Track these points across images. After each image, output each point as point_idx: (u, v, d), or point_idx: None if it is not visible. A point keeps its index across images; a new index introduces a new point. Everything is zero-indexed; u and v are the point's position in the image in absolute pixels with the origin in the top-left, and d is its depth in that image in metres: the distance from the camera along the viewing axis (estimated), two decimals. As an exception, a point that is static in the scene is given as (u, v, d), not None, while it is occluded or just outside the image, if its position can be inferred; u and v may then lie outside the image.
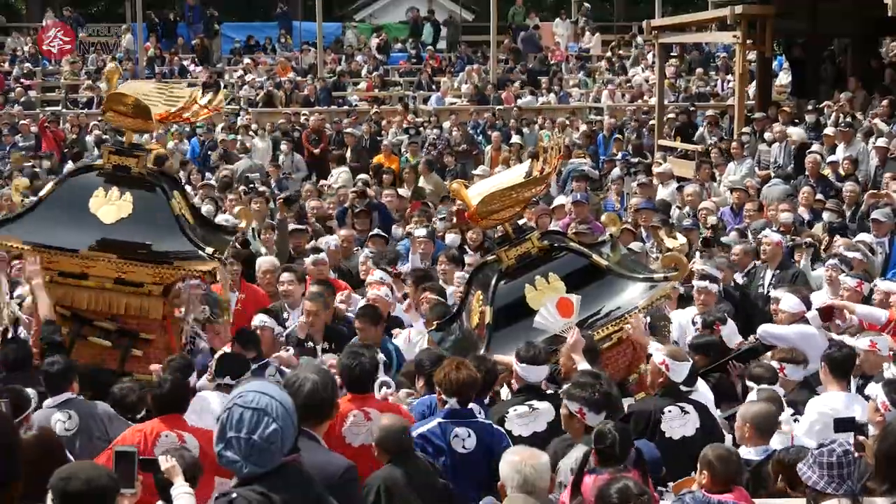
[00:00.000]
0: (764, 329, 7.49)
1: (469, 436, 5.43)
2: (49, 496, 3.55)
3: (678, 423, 5.82)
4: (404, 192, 14.87)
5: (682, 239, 9.74)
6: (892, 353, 6.73)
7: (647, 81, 24.89)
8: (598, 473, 4.70)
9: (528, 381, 5.94)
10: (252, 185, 14.81)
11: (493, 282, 6.60)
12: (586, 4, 30.47)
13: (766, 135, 16.09)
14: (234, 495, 3.19)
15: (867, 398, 6.03)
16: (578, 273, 6.60)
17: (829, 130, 15.08)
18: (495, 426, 5.61)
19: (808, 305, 7.63)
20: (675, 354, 6.11)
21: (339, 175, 16.32)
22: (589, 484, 4.63)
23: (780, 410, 5.86)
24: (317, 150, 19.40)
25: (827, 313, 7.49)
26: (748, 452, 5.40)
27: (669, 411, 5.85)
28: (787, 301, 7.67)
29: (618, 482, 4.35)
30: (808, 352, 6.92)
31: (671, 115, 20.55)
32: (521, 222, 7.18)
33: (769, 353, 7.22)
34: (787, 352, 6.90)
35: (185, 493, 4.60)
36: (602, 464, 4.86)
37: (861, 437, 4.97)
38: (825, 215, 11.75)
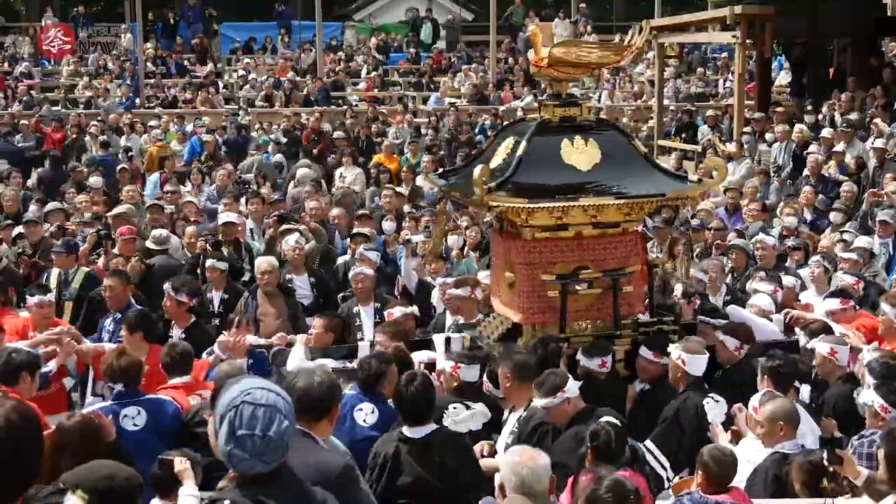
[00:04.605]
0: (734, 308, 7.66)
1: (139, 413, 5.80)
2: (79, 494, 3.54)
3: (718, 412, 5.98)
4: (402, 190, 14.86)
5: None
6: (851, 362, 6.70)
7: (648, 82, 24.88)
8: (594, 472, 4.70)
9: (465, 381, 6.10)
10: (248, 186, 14.80)
11: (533, 129, 6.67)
12: (582, 5, 30.46)
13: (767, 135, 16.08)
14: (227, 502, 3.17)
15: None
16: (616, 148, 6.70)
17: (826, 132, 15.08)
18: (163, 398, 5.88)
19: (778, 308, 7.89)
20: (690, 349, 6.27)
21: (354, 176, 16.28)
22: (584, 483, 4.63)
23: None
24: (315, 151, 19.35)
25: (790, 327, 7.68)
26: (782, 447, 5.35)
27: (707, 403, 6.02)
28: (761, 299, 7.88)
29: (605, 480, 4.36)
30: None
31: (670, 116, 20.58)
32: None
33: None
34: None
35: (192, 496, 4.61)
36: (597, 462, 4.88)
37: (839, 451, 4.97)
38: (832, 216, 11.73)
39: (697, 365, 6.23)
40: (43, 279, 9.53)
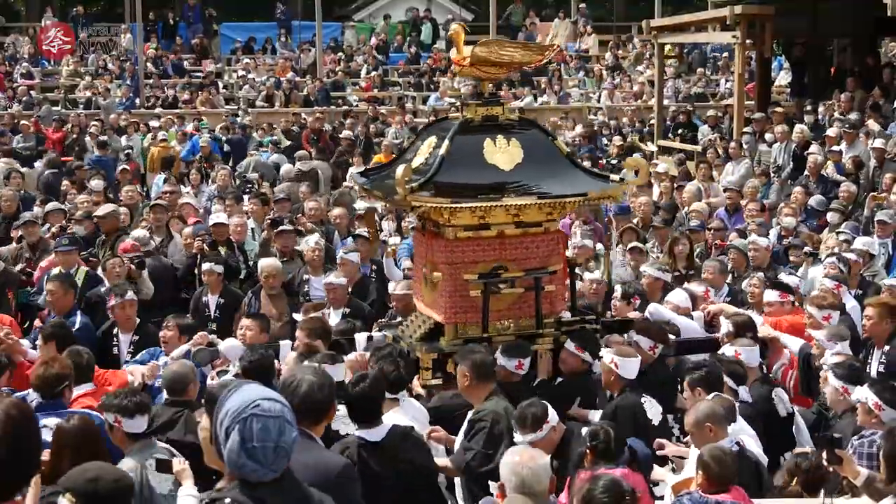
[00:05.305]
0: (655, 307, 7.70)
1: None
2: (67, 497, 3.53)
3: (655, 412, 6.14)
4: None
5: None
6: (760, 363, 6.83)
7: (649, 83, 24.87)
8: (592, 471, 4.71)
9: None
10: (251, 186, 14.79)
11: (455, 128, 6.67)
12: (582, 5, 30.48)
13: (767, 135, 16.09)
14: (228, 500, 3.18)
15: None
16: (538, 147, 6.73)
17: (831, 132, 15.06)
18: (88, 412, 5.73)
19: (695, 304, 7.96)
20: (622, 352, 6.32)
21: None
22: (581, 482, 4.63)
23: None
24: (313, 150, 19.34)
25: (710, 322, 7.74)
26: None
27: (645, 402, 6.15)
28: (677, 296, 7.94)
29: (602, 479, 4.35)
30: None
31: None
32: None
33: None
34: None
35: (191, 496, 4.62)
36: (596, 462, 4.89)
37: (839, 451, 4.99)
38: (829, 216, 11.73)
39: (630, 368, 6.25)
40: (44, 279, 9.53)
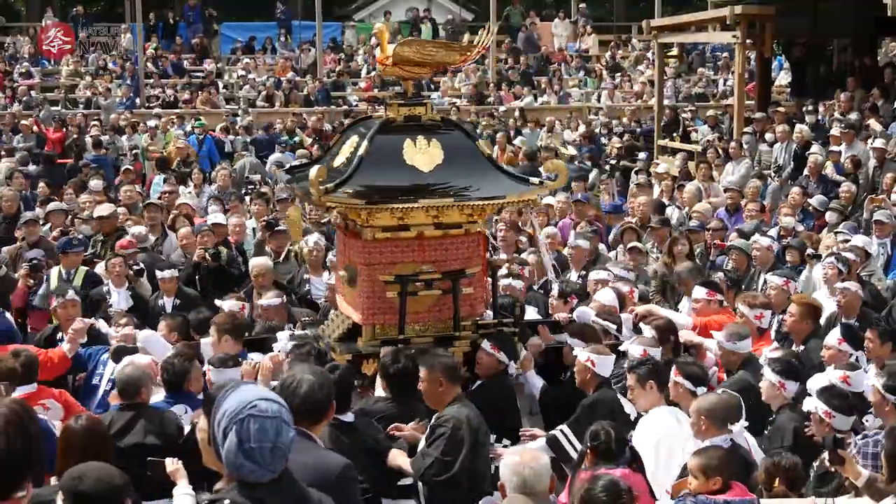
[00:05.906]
0: (581, 310, 7.65)
1: None
2: (60, 496, 3.53)
3: (629, 407, 6.20)
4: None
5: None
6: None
7: (649, 83, 24.88)
8: (593, 471, 4.71)
9: None
10: (253, 186, 14.80)
11: (375, 128, 6.63)
12: (582, 5, 30.47)
13: (767, 135, 16.09)
14: (227, 501, 3.18)
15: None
16: (459, 149, 6.68)
17: (835, 131, 15.04)
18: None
19: (623, 304, 7.88)
20: (597, 350, 6.34)
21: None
22: (581, 482, 4.64)
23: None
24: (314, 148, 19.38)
25: (637, 322, 7.69)
26: (712, 441, 5.31)
27: (621, 397, 6.22)
28: (604, 295, 7.88)
29: (601, 479, 4.36)
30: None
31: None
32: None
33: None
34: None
35: (187, 494, 4.62)
36: (596, 462, 4.89)
37: (841, 451, 4.99)
38: (829, 216, 11.73)
39: (605, 365, 6.29)
40: (44, 279, 9.54)
